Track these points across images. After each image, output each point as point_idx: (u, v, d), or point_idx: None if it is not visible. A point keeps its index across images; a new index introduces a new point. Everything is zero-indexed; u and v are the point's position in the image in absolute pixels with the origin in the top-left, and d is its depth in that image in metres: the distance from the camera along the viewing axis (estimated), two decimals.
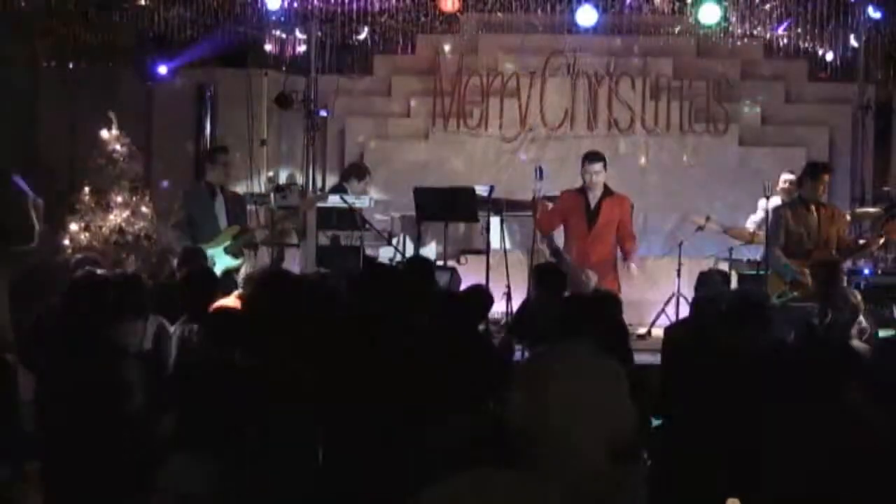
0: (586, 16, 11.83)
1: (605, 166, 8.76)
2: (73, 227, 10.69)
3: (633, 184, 11.15)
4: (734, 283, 9.76)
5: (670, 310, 9.81)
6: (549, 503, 3.34)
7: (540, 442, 4.81)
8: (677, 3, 12.16)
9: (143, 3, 11.72)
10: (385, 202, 11.31)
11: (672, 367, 5.53)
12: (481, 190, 9.58)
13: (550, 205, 9.14)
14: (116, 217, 10.75)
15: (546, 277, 7.13)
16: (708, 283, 7.27)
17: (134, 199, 10.91)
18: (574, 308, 5.28)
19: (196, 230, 8.88)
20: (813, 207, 8.49)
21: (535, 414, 4.83)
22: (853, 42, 11.79)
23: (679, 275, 10.07)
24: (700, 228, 10.43)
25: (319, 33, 12.19)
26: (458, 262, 10.00)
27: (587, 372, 4.90)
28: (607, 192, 8.77)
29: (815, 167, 8.79)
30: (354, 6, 11.83)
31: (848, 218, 9.08)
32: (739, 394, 5.10)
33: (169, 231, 9.10)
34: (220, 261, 8.69)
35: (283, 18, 12.16)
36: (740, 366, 5.22)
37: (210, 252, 8.65)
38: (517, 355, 6.75)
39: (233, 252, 8.87)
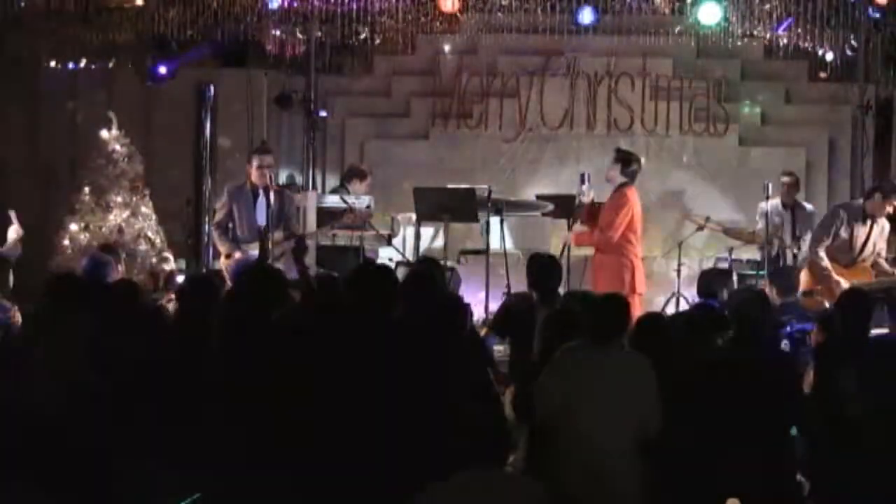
0: (586, 15, 11.86)
1: (615, 160, 8.75)
2: (73, 227, 10.69)
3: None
4: (734, 284, 9.76)
5: (670, 310, 9.81)
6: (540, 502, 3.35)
7: (567, 433, 4.84)
8: (677, 3, 12.15)
9: (142, 3, 11.71)
10: (385, 202, 11.30)
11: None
12: (481, 190, 9.58)
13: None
14: (116, 217, 10.75)
15: (542, 269, 7.00)
16: (711, 284, 7.26)
17: (134, 199, 10.90)
18: (610, 311, 5.26)
19: (236, 231, 8.83)
20: (869, 222, 8.57)
21: (565, 406, 4.85)
22: (853, 42, 11.78)
23: (679, 275, 10.08)
24: (700, 228, 10.44)
25: (319, 33, 12.18)
26: (458, 261, 10.01)
27: (619, 367, 4.96)
28: (619, 187, 8.74)
29: (891, 187, 8.89)
30: (354, 6, 11.82)
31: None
32: (740, 395, 5.11)
33: (212, 230, 9.08)
34: None
35: (282, 18, 12.15)
36: (742, 368, 5.23)
37: (251, 254, 8.61)
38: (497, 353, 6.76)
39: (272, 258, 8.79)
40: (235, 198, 8.91)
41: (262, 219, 8.81)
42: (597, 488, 4.77)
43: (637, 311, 8.12)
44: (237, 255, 8.61)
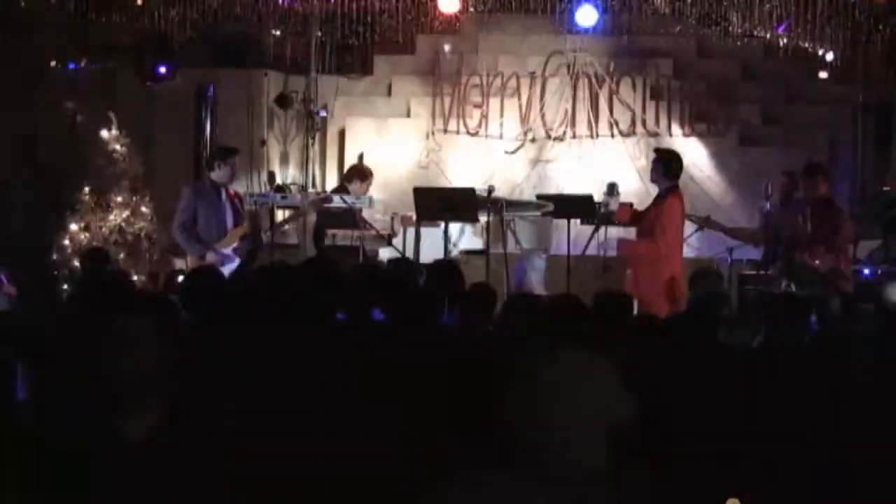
0: (586, 16, 11.82)
1: (655, 162, 8.67)
2: (73, 227, 10.69)
3: (633, 184, 11.16)
4: (734, 284, 9.77)
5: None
6: None
7: (539, 442, 4.83)
8: (677, 3, 12.14)
9: (142, 3, 11.71)
10: (385, 202, 11.30)
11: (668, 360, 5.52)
12: (481, 190, 9.58)
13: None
14: (116, 217, 10.76)
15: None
16: (703, 281, 7.27)
17: (134, 199, 10.91)
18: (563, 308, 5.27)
19: (202, 230, 8.82)
20: (808, 208, 8.57)
21: (533, 415, 4.84)
22: (853, 42, 11.78)
23: None
24: (700, 228, 10.43)
25: (319, 33, 12.18)
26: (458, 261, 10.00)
27: (581, 371, 4.93)
28: (666, 191, 8.63)
29: (805, 168, 8.91)
30: (354, 6, 11.83)
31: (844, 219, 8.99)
32: (740, 392, 5.11)
33: (175, 233, 9.02)
34: (229, 263, 8.63)
35: (282, 18, 12.14)
36: (741, 363, 5.23)
37: (223, 251, 8.62)
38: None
39: (241, 255, 8.82)
40: (199, 198, 8.91)
41: (229, 217, 8.85)
42: (578, 490, 4.75)
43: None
44: (210, 256, 8.60)
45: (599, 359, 5.05)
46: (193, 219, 8.83)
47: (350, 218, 9.77)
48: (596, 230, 8.76)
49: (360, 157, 12.16)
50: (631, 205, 9.12)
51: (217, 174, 8.97)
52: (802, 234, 8.70)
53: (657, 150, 8.93)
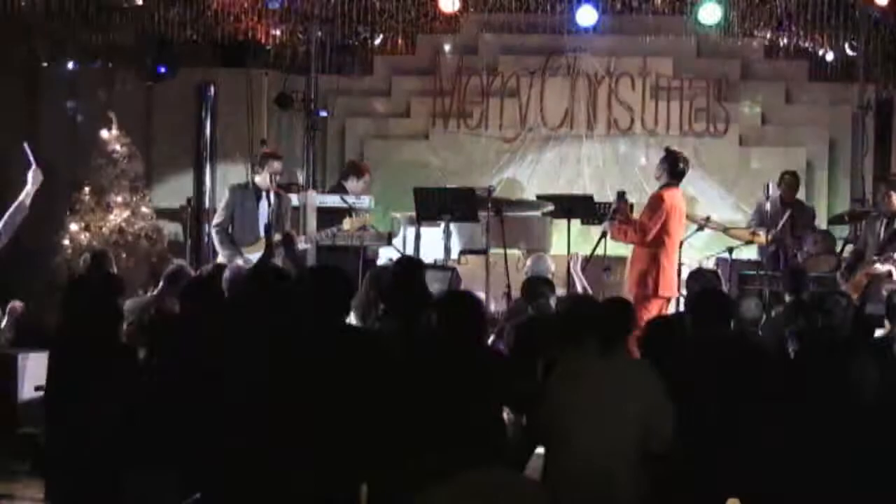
0: (586, 16, 11.80)
1: (662, 160, 8.74)
2: (73, 227, 10.70)
3: (633, 184, 11.18)
4: (734, 284, 9.76)
5: (670, 309, 9.79)
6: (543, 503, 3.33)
7: (565, 443, 4.81)
8: (677, 3, 12.13)
9: (142, 3, 11.70)
10: (385, 202, 11.29)
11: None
12: (481, 190, 9.58)
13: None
14: (116, 217, 10.76)
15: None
16: (700, 281, 7.31)
17: (134, 199, 10.91)
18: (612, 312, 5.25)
19: (236, 233, 8.81)
20: (884, 220, 8.69)
21: (562, 415, 4.83)
22: (853, 42, 11.77)
23: (679, 275, 10.05)
24: (700, 228, 10.42)
25: (319, 33, 12.18)
26: (458, 261, 10.00)
27: (620, 376, 4.91)
28: (662, 187, 8.72)
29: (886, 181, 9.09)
30: (354, 6, 11.82)
31: None
32: (740, 392, 5.11)
33: (212, 231, 9.03)
34: None
35: (283, 18, 12.14)
36: (743, 365, 5.23)
37: (249, 258, 8.58)
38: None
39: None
40: (239, 198, 8.91)
41: (264, 220, 8.81)
42: (597, 497, 4.74)
43: (654, 313, 8.14)
44: (238, 261, 8.57)
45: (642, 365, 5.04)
46: (231, 219, 8.82)
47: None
48: (604, 234, 8.82)
49: (360, 156, 12.17)
50: (630, 207, 9.13)
51: (258, 178, 8.94)
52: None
53: (667, 150, 8.98)
